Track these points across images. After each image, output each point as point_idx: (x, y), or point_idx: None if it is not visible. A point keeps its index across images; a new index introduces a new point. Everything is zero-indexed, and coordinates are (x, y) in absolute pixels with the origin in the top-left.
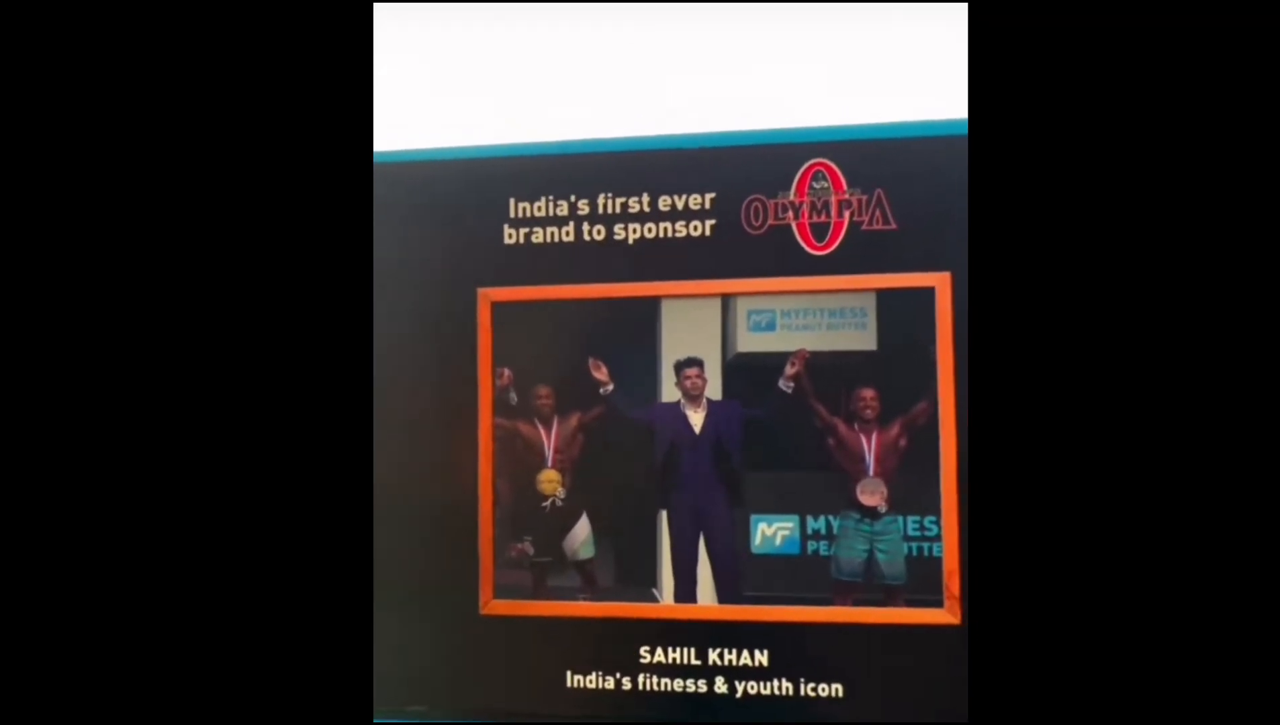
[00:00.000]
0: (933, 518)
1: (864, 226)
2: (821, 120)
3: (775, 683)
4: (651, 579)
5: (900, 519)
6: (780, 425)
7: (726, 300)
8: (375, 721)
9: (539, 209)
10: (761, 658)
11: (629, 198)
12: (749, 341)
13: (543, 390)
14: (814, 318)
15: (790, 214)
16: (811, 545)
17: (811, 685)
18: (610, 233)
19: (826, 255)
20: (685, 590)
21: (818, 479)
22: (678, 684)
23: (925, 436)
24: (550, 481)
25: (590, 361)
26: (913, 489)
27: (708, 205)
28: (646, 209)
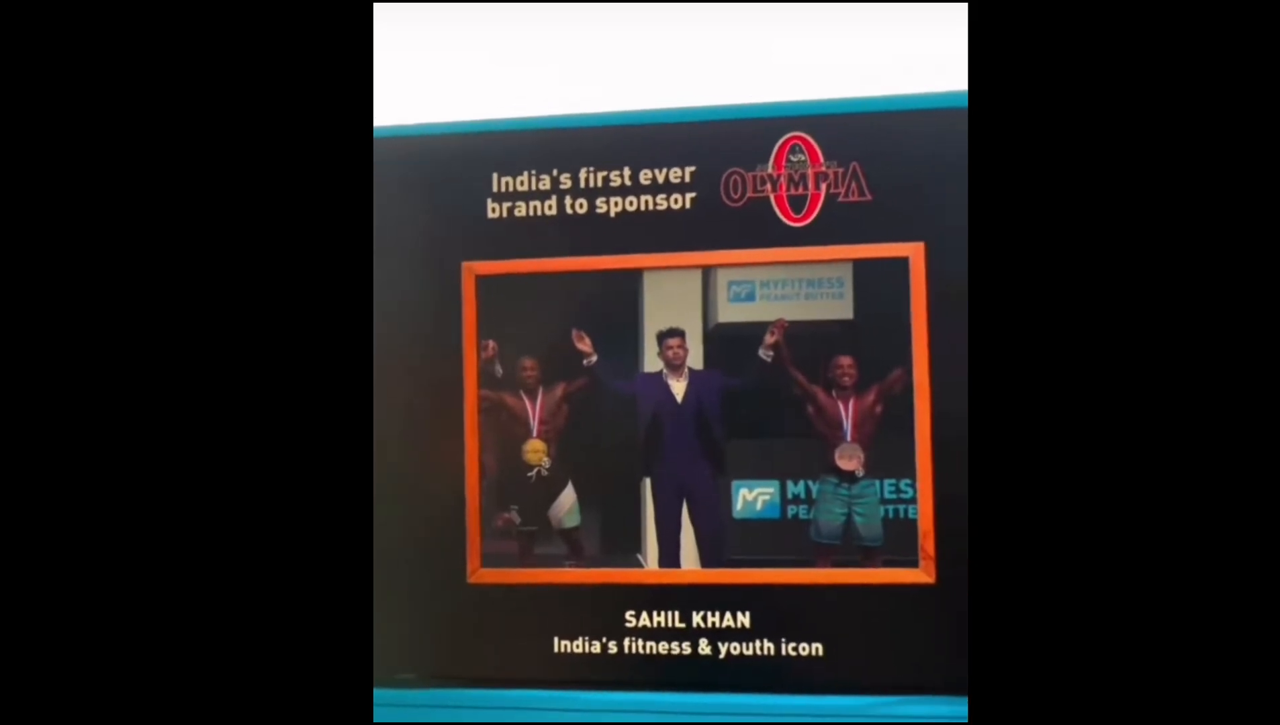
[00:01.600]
0: (908, 481)
1: (840, 198)
2: (799, 95)
3: (757, 643)
4: (636, 545)
5: (877, 483)
6: (760, 393)
7: (707, 272)
8: None
9: (522, 183)
10: (744, 619)
11: (610, 172)
12: (729, 312)
13: (527, 362)
14: (792, 288)
15: (769, 186)
16: (791, 509)
17: (792, 645)
18: (592, 206)
19: (804, 227)
20: (669, 555)
21: (797, 445)
22: (663, 647)
23: (901, 402)
24: (536, 451)
25: (574, 333)
26: (889, 453)
27: (688, 179)
28: (628, 182)
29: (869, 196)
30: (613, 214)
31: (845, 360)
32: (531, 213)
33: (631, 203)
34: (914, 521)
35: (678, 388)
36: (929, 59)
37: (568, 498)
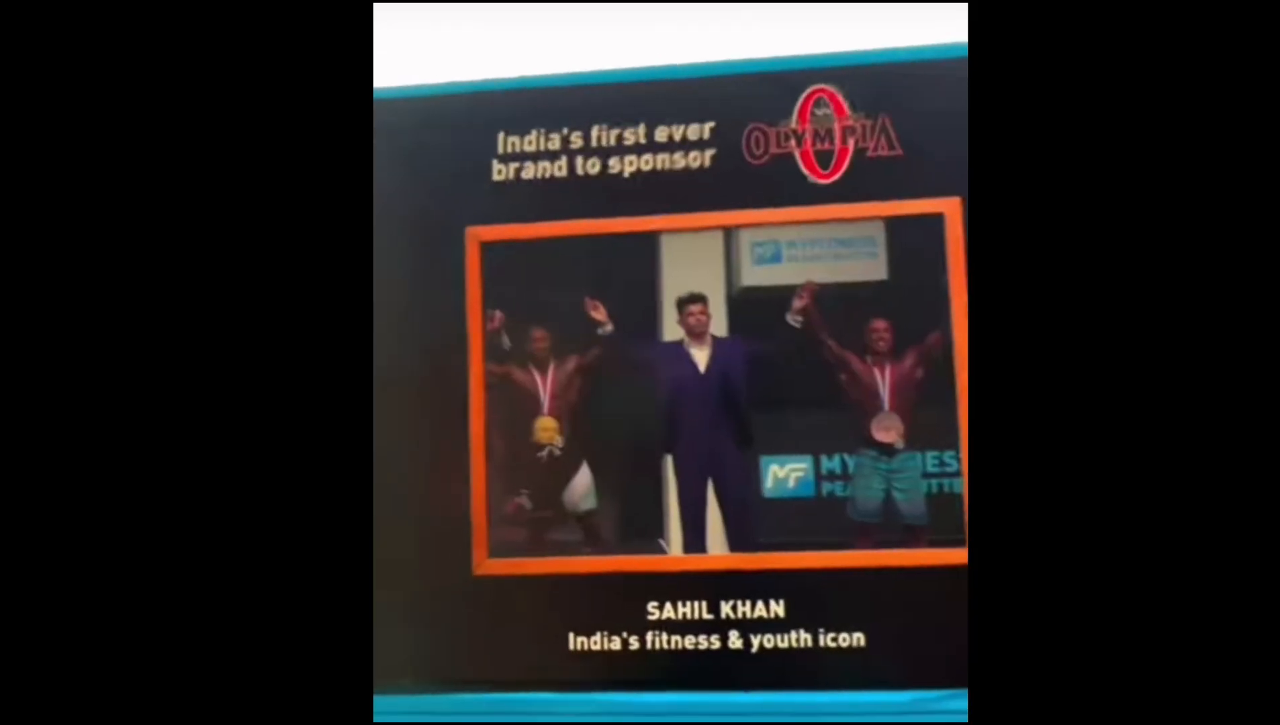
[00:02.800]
0: (952, 453)
1: (869, 153)
2: (822, 46)
3: (793, 634)
4: (658, 529)
5: (919, 455)
6: (789, 361)
7: (729, 233)
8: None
9: (529, 143)
10: (777, 608)
11: (624, 129)
12: (754, 275)
13: (537, 333)
14: (821, 248)
15: (793, 142)
16: (826, 486)
17: (831, 635)
18: (605, 166)
19: (832, 183)
20: (694, 540)
21: (830, 416)
22: (689, 641)
23: (941, 367)
24: (547, 429)
25: (587, 301)
26: (930, 423)
27: (707, 135)
28: (643, 140)
29: (899, 151)
30: (627, 174)
31: (880, 323)
32: (540, 174)
33: (647, 162)
34: (959, 497)
35: (700, 357)
36: (956, 5)
37: (582, 480)
